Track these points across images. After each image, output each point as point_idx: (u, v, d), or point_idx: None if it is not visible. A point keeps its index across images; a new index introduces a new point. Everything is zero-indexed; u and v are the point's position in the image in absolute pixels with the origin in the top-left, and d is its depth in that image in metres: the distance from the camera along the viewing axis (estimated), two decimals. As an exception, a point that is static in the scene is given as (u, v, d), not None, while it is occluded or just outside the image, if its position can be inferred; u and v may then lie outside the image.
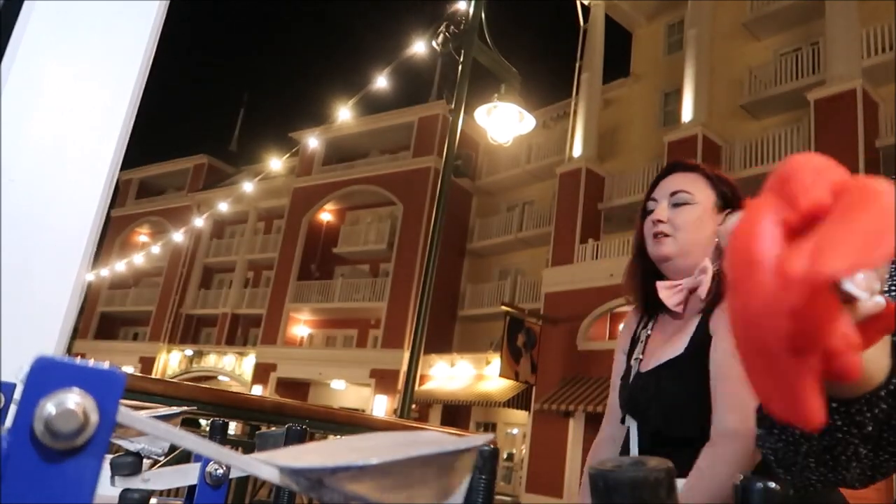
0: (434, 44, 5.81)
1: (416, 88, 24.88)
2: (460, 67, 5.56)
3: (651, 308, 1.58)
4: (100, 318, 31.44)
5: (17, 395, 0.50)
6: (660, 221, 1.52)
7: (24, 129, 1.23)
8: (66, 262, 1.25)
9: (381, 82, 6.85)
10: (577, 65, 18.56)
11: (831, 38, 15.47)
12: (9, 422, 0.42)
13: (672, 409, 1.38)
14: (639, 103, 20.31)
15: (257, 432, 1.60)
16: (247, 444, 2.85)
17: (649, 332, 1.55)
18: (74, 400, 0.26)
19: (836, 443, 0.56)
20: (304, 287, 25.28)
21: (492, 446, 0.58)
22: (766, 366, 0.34)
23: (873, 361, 0.49)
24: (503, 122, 5.93)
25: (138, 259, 13.65)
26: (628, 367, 1.55)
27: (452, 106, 5.55)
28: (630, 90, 20.81)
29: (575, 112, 19.88)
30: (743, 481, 0.46)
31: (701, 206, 1.53)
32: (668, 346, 1.47)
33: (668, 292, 1.50)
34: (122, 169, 1.39)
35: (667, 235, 1.51)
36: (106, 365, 0.28)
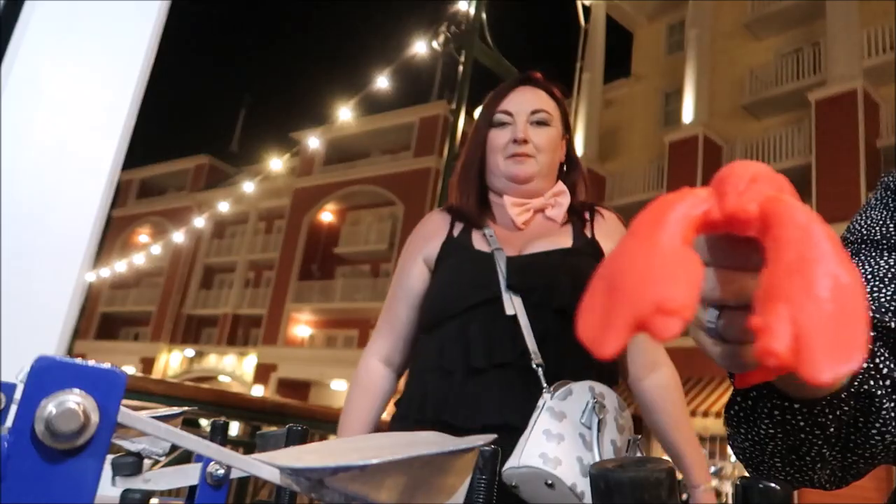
0: (435, 44, 5.81)
1: (417, 89, 24.89)
2: (461, 67, 5.56)
3: (466, 218, 1.49)
4: (100, 319, 31.44)
5: (18, 395, 0.50)
6: (524, 141, 1.47)
7: (25, 129, 1.23)
8: (66, 262, 1.26)
9: (382, 82, 6.85)
10: (578, 65, 18.49)
11: (832, 39, 15.46)
12: (9, 422, 0.42)
13: (585, 283, 1.34)
14: (640, 103, 20.30)
15: (258, 433, 1.60)
16: (248, 445, 2.85)
17: (488, 233, 1.44)
18: (75, 400, 0.26)
19: (799, 443, 0.55)
20: (305, 287, 25.27)
21: (492, 447, 0.58)
22: (605, 309, 0.34)
23: None
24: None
25: (139, 259, 13.64)
26: (477, 256, 1.41)
27: (453, 106, 5.55)
28: (631, 90, 20.80)
29: (576, 112, 19.82)
30: (743, 481, 0.46)
31: (555, 128, 1.53)
32: (543, 241, 1.43)
33: (518, 209, 1.47)
34: (122, 169, 1.39)
35: (529, 156, 1.47)
36: (107, 365, 0.28)
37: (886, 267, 0.69)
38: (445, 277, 1.43)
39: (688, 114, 17.69)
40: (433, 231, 1.51)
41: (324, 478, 0.31)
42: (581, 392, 1.18)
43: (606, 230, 1.50)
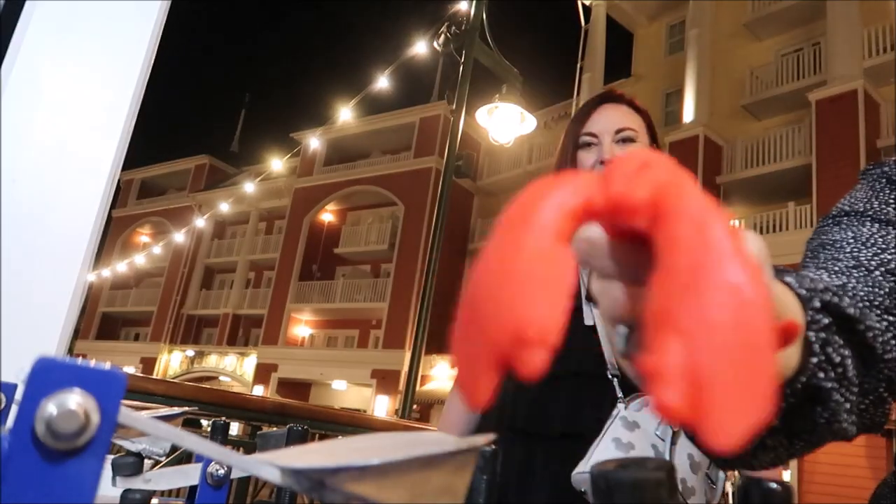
0: (435, 44, 5.82)
1: (418, 89, 24.90)
2: (461, 68, 5.56)
3: None
4: (101, 319, 31.44)
5: (19, 395, 0.50)
6: (612, 162, 1.45)
7: (25, 129, 1.23)
8: (67, 262, 1.26)
9: (383, 83, 6.85)
10: (579, 65, 18.49)
11: (832, 39, 15.46)
12: (10, 422, 0.42)
13: None
14: (640, 103, 20.28)
15: (258, 433, 1.60)
16: (248, 445, 2.85)
17: None
18: (76, 400, 0.26)
19: None
20: (306, 287, 25.27)
21: (493, 447, 0.58)
22: (470, 343, 0.29)
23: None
24: (504, 122, 5.92)
25: (139, 259, 13.66)
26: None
27: (454, 106, 5.55)
28: (631, 90, 20.67)
29: (576, 112, 19.86)
30: (744, 481, 0.46)
31: (642, 143, 1.53)
32: None
33: None
34: (123, 169, 1.39)
35: None
36: (107, 365, 0.28)
37: (869, 233, 0.69)
38: None
39: (688, 114, 17.69)
40: None
41: (324, 478, 0.31)
42: None
43: None
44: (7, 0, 1.24)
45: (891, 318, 0.60)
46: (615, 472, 0.31)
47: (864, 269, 0.64)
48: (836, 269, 0.65)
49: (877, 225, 0.71)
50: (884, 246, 0.67)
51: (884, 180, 0.78)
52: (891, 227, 0.70)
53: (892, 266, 0.65)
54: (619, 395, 1.21)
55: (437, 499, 0.30)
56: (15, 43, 1.23)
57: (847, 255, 0.67)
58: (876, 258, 0.65)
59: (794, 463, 13.06)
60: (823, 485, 12.26)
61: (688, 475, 1.16)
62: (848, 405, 0.53)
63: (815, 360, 0.50)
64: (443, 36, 5.71)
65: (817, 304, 0.51)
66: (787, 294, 0.49)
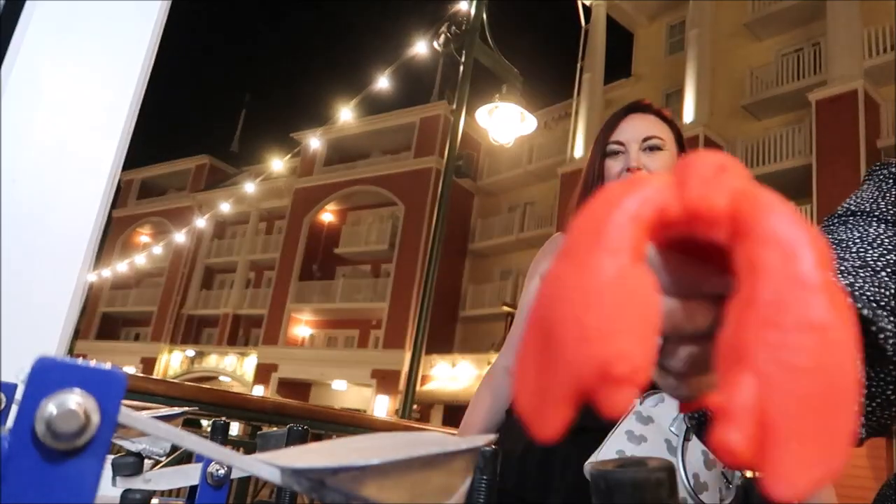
0: (435, 44, 5.81)
1: (418, 89, 24.89)
2: (461, 68, 5.56)
3: None
4: (101, 319, 31.45)
5: (19, 395, 0.50)
6: (637, 170, 1.48)
7: (25, 129, 1.23)
8: (67, 262, 1.26)
9: (383, 83, 6.85)
10: (579, 65, 18.54)
11: (833, 39, 15.46)
12: (10, 422, 0.42)
13: None
14: (640, 104, 20.29)
15: (258, 433, 1.60)
16: (248, 445, 2.85)
17: None
18: (76, 400, 0.26)
19: None
20: (306, 287, 25.28)
21: (493, 447, 0.58)
22: (541, 372, 0.26)
23: None
24: (504, 122, 5.92)
25: (140, 259, 13.66)
26: None
27: (454, 106, 5.55)
28: (631, 90, 20.78)
29: (576, 112, 19.88)
30: (744, 482, 0.46)
31: (669, 151, 1.53)
32: None
33: None
34: (123, 169, 1.39)
35: None
36: (107, 365, 0.28)
37: (875, 234, 0.69)
38: None
39: (688, 114, 17.69)
40: (551, 253, 1.58)
41: (325, 478, 0.31)
42: (673, 401, 1.19)
43: None
44: (7, 0, 1.24)
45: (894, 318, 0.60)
46: (615, 473, 0.31)
47: (870, 269, 0.64)
48: (843, 268, 0.64)
49: (883, 225, 0.70)
50: (890, 247, 0.67)
51: (891, 181, 0.77)
52: None
53: None
54: None
55: (437, 499, 0.30)
56: (15, 43, 1.23)
57: (853, 254, 0.67)
58: (882, 259, 0.65)
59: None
60: (824, 485, 12.27)
61: (701, 471, 1.17)
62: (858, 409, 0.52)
63: None
64: (443, 36, 5.71)
65: None
66: None
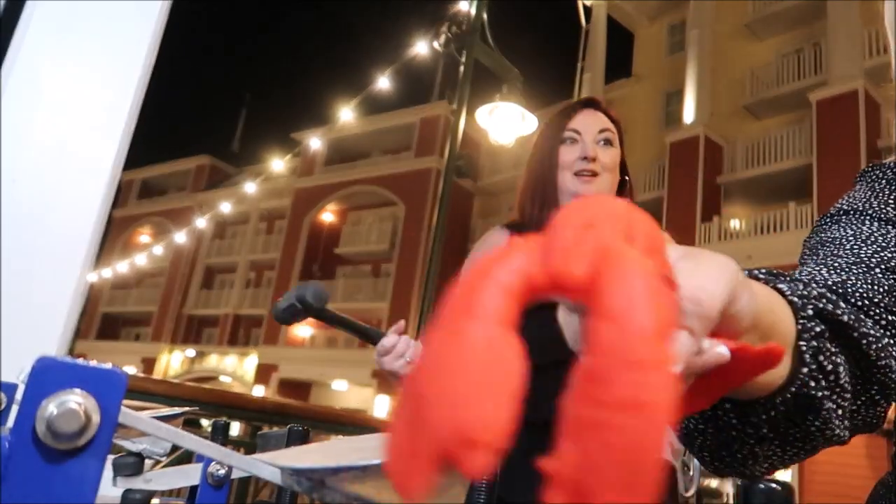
0: (436, 44, 5.81)
1: (418, 89, 24.89)
2: (462, 68, 5.56)
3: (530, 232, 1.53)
4: (102, 319, 31.45)
5: (19, 395, 0.50)
6: (593, 159, 1.50)
7: (25, 129, 1.23)
8: (67, 262, 1.26)
9: (383, 83, 6.85)
10: (579, 65, 18.51)
11: (833, 39, 15.46)
12: (11, 422, 0.42)
13: None
14: (641, 104, 20.30)
15: (259, 433, 1.60)
16: (249, 445, 2.85)
17: None
18: (76, 400, 0.26)
19: (731, 440, 0.53)
20: (306, 287, 25.24)
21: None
22: (410, 436, 0.27)
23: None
24: (505, 122, 5.91)
25: (140, 259, 13.65)
26: None
27: (454, 106, 5.55)
28: (632, 91, 20.79)
29: (576, 112, 19.86)
30: (744, 482, 0.46)
31: (617, 149, 1.56)
32: None
33: None
34: (123, 169, 1.39)
35: (596, 174, 1.51)
36: (108, 365, 0.28)
37: (869, 231, 0.69)
38: None
39: (689, 114, 17.69)
40: (494, 244, 1.56)
41: (325, 478, 0.31)
42: None
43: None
44: (8, 0, 1.24)
45: (890, 318, 0.60)
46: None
47: (864, 265, 0.64)
48: (836, 265, 0.64)
49: (877, 223, 0.70)
50: (884, 244, 0.67)
51: (883, 181, 0.77)
52: (890, 226, 0.70)
53: (893, 264, 0.64)
54: None
55: (437, 499, 0.30)
56: (15, 43, 1.23)
57: (847, 251, 0.66)
58: (876, 256, 0.65)
59: (794, 463, 13.06)
60: (824, 484, 12.26)
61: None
62: (840, 411, 0.52)
63: (805, 370, 0.49)
64: (443, 36, 5.70)
65: (810, 311, 0.50)
66: (779, 303, 0.49)
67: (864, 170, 0.83)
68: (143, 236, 32.51)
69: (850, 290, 0.61)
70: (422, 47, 6.15)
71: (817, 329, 0.50)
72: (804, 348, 0.49)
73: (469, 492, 0.52)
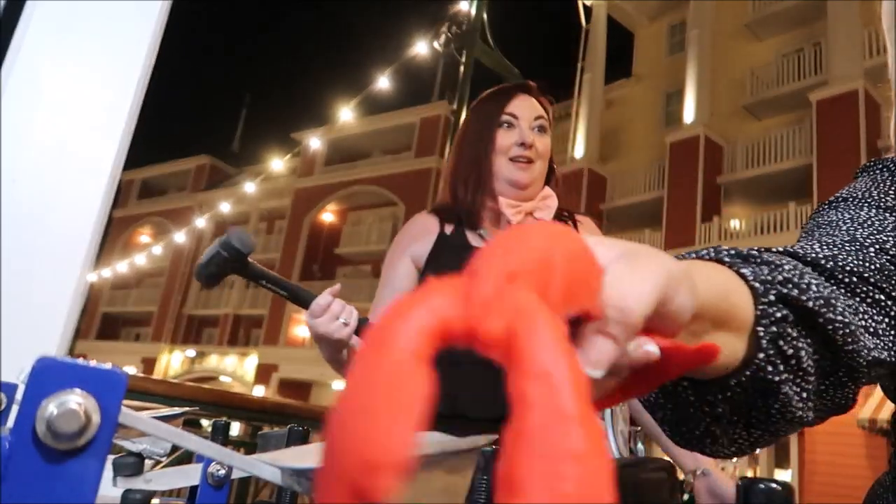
0: (436, 44, 5.82)
1: (418, 89, 24.88)
2: (462, 68, 5.56)
3: (459, 217, 1.52)
4: (102, 319, 31.45)
5: (20, 395, 0.50)
6: (531, 146, 1.49)
7: (25, 129, 1.23)
8: (67, 262, 1.26)
9: (383, 83, 6.85)
10: (579, 65, 18.54)
11: (833, 39, 15.46)
12: (11, 422, 0.42)
13: None
14: (641, 104, 20.30)
15: (259, 433, 1.60)
16: (249, 445, 2.85)
17: (484, 233, 1.50)
18: (76, 400, 0.26)
19: (688, 417, 0.54)
20: (307, 287, 25.24)
21: (494, 447, 0.58)
22: (330, 465, 0.28)
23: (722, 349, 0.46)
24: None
25: (140, 259, 13.65)
26: (473, 253, 1.43)
27: (454, 106, 5.55)
28: (632, 91, 20.79)
29: (577, 113, 19.87)
30: (745, 481, 0.46)
31: (549, 136, 1.56)
32: None
33: (512, 210, 1.49)
34: (123, 169, 1.40)
35: (532, 161, 1.50)
36: (108, 365, 0.28)
37: (867, 216, 0.69)
38: (445, 272, 1.44)
39: (689, 114, 17.69)
40: (421, 231, 1.55)
41: (325, 478, 0.31)
42: None
43: (589, 233, 1.55)
44: (8, 0, 1.24)
45: (879, 296, 0.60)
46: (615, 473, 0.31)
47: (858, 244, 0.64)
48: (830, 241, 0.65)
49: (875, 210, 0.71)
50: (881, 228, 0.67)
51: (886, 173, 0.78)
52: (888, 214, 0.70)
53: (888, 246, 0.65)
54: None
55: (437, 499, 0.30)
56: (15, 43, 1.23)
57: (843, 231, 0.67)
58: (871, 237, 0.65)
59: (794, 462, 13.06)
60: (824, 485, 12.26)
61: (623, 447, 1.22)
62: (804, 394, 0.52)
63: (762, 355, 0.49)
64: (443, 36, 5.71)
65: (772, 297, 0.50)
66: (738, 289, 0.49)
67: (866, 164, 0.84)
68: (143, 236, 32.51)
69: (839, 264, 0.61)
70: (422, 47, 6.15)
71: (778, 314, 0.50)
72: (761, 334, 0.49)
73: (470, 492, 0.52)
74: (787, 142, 16.26)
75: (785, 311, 0.51)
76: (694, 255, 0.53)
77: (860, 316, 0.59)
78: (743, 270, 0.51)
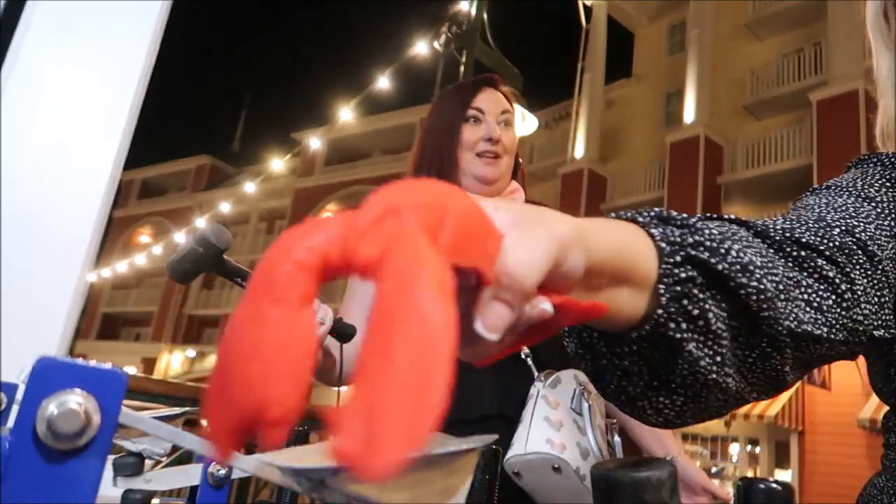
0: (436, 44, 5.82)
1: (419, 89, 24.86)
2: (462, 68, 5.56)
3: None
4: (102, 319, 31.45)
5: (20, 395, 0.50)
6: (497, 141, 1.47)
7: (25, 129, 1.23)
8: (67, 262, 1.26)
9: (383, 83, 6.85)
10: (580, 65, 18.55)
11: (833, 39, 15.45)
12: (11, 422, 0.42)
13: None
14: (641, 104, 20.29)
15: (259, 433, 1.60)
16: (249, 445, 2.85)
17: None
18: (76, 400, 0.26)
19: (602, 370, 0.55)
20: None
21: (494, 447, 0.58)
22: (219, 404, 0.29)
23: (615, 302, 0.48)
24: (519, 124, 5.91)
25: (140, 259, 13.65)
26: None
27: (454, 106, 5.54)
28: (632, 91, 20.79)
29: (577, 113, 19.87)
30: (744, 481, 0.46)
31: (514, 128, 1.56)
32: None
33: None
34: (123, 169, 1.40)
35: (499, 157, 1.48)
36: (108, 366, 0.28)
37: (843, 203, 0.69)
38: None
39: (689, 114, 17.68)
40: None
41: (325, 478, 0.31)
42: (568, 380, 1.24)
43: None
44: (8, 0, 1.24)
45: (829, 265, 0.60)
46: (616, 473, 0.31)
47: (824, 223, 0.65)
48: (794, 217, 0.65)
49: (854, 198, 0.71)
50: (854, 213, 0.67)
51: (878, 166, 0.79)
52: (867, 203, 0.70)
53: (856, 231, 0.65)
54: (535, 373, 1.25)
55: (438, 498, 0.30)
56: (15, 43, 1.23)
57: (813, 213, 0.67)
58: (842, 221, 0.66)
59: (794, 462, 13.06)
60: (824, 485, 12.26)
61: (601, 441, 1.24)
62: (717, 357, 0.53)
63: (660, 311, 0.50)
64: (443, 36, 5.71)
65: (678, 258, 0.51)
66: (642, 248, 0.50)
67: (861, 157, 0.85)
68: (143, 236, 32.50)
69: (793, 236, 0.61)
70: (422, 47, 6.15)
71: (683, 275, 0.51)
72: (662, 291, 0.50)
73: (471, 492, 0.52)
74: (787, 142, 16.26)
75: (693, 273, 0.51)
76: (613, 215, 0.54)
77: (801, 290, 0.59)
78: (652, 231, 0.52)
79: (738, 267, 0.53)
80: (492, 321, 0.35)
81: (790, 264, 0.60)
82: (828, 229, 0.64)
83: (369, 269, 0.29)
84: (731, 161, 17.17)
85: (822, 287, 0.60)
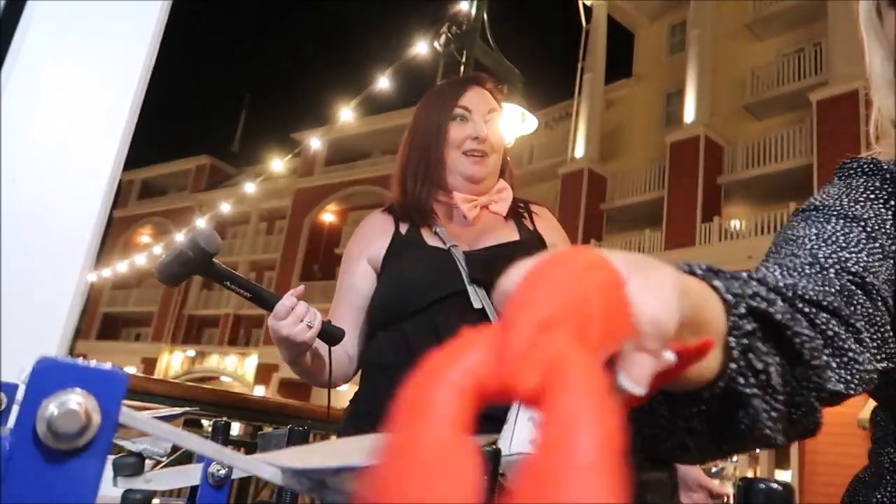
0: (436, 44, 5.82)
1: (418, 89, 24.80)
2: (462, 68, 5.56)
3: (413, 215, 1.50)
4: (102, 319, 31.47)
5: (20, 395, 0.50)
6: (484, 140, 1.47)
7: (25, 129, 1.23)
8: (68, 262, 1.26)
9: (383, 83, 6.84)
10: (580, 65, 18.54)
11: (833, 39, 15.45)
12: (11, 423, 0.42)
13: None
14: (641, 104, 20.30)
15: (259, 433, 1.60)
16: (249, 445, 2.85)
17: (439, 230, 1.46)
18: (77, 401, 0.26)
19: (662, 431, 0.54)
20: (307, 287, 25.21)
21: (494, 447, 0.58)
22: None
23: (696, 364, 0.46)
24: (505, 122, 5.91)
25: (141, 259, 13.65)
26: (434, 252, 1.43)
27: (454, 106, 5.54)
28: (632, 91, 20.79)
29: (577, 112, 19.87)
30: (745, 482, 0.46)
31: (499, 126, 1.56)
32: (492, 235, 1.46)
33: (468, 204, 1.47)
34: (124, 169, 1.40)
35: (486, 155, 1.48)
36: (108, 365, 0.28)
37: (832, 231, 0.69)
38: (404, 273, 1.43)
39: (689, 114, 17.69)
40: (376, 231, 1.52)
41: (325, 478, 0.31)
42: None
43: (547, 223, 1.57)
44: (8, 0, 1.24)
45: (837, 330, 0.59)
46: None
47: (818, 266, 0.64)
48: (791, 265, 0.65)
49: (842, 221, 0.71)
50: (844, 244, 0.67)
51: (861, 177, 0.78)
52: (854, 224, 0.70)
53: (849, 265, 0.65)
54: None
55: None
56: (15, 43, 1.23)
57: (806, 251, 0.67)
58: (834, 256, 0.65)
59: (794, 462, 13.06)
60: (824, 485, 12.26)
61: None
62: (774, 413, 0.52)
63: (734, 365, 0.49)
64: (443, 36, 5.71)
65: (742, 309, 0.51)
66: (712, 300, 0.49)
67: (842, 164, 0.84)
68: (144, 236, 32.51)
69: (799, 293, 0.60)
70: (422, 47, 6.14)
71: (748, 327, 0.50)
72: (733, 344, 0.49)
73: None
74: (787, 142, 16.26)
75: (754, 325, 0.51)
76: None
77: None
78: (715, 283, 0.51)
79: (789, 316, 0.53)
80: (638, 374, 0.34)
81: (805, 322, 0.59)
82: (824, 273, 0.63)
83: (532, 399, 0.28)
84: (731, 161, 17.17)
85: (835, 346, 0.59)
